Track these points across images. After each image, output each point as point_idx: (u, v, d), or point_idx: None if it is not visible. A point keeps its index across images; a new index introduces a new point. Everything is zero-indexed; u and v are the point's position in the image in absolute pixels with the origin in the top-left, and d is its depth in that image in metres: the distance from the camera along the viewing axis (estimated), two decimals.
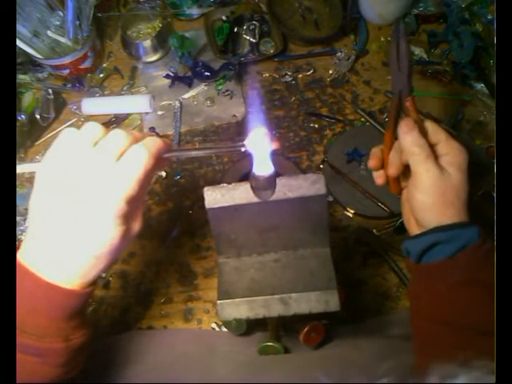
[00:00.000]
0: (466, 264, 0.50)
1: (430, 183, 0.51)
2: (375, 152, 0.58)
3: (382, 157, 0.58)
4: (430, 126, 0.54)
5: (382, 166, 0.58)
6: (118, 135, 0.44)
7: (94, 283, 0.45)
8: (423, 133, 0.53)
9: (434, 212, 0.51)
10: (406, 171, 0.55)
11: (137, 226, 0.47)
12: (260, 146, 0.46)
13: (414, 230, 0.56)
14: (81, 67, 0.88)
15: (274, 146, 0.46)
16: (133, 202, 0.43)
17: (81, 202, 0.42)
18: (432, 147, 0.52)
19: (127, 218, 0.44)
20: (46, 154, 0.45)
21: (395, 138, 0.55)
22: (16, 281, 0.42)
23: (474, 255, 0.50)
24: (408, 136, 0.51)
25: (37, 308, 0.42)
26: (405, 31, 0.53)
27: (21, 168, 0.48)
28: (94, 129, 0.45)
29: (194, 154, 0.52)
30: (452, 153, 0.52)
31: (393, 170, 0.56)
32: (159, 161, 0.46)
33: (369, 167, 0.59)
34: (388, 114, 0.59)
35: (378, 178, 0.59)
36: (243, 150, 0.47)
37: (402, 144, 0.52)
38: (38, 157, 0.83)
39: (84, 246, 0.42)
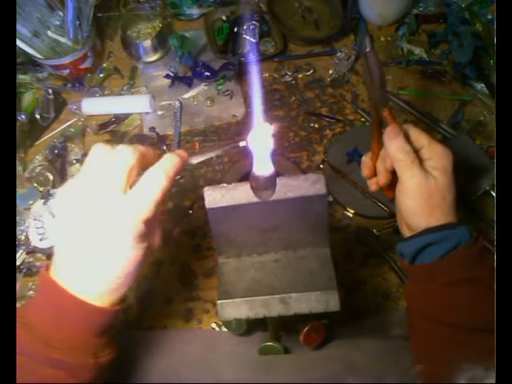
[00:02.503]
0: (458, 263, 0.51)
1: (415, 188, 0.52)
2: (366, 161, 0.62)
3: (373, 165, 0.60)
4: (412, 131, 0.55)
5: (375, 173, 0.60)
6: (124, 152, 0.44)
7: (122, 301, 0.47)
8: (407, 138, 0.54)
9: (422, 215, 0.53)
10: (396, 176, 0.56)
11: (157, 240, 0.48)
12: (261, 144, 0.46)
13: (406, 232, 0.57)
14: (81, 67, 0.88)
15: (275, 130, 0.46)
16: (151, 222, 0.44)
17: (102, 226, 0.43)
18: (416, 152, 0.54)
19: (146, 236, 0.45)
20: (67, 182, 0.45)
21: (381, 145, 0.57)
22: (47, 297, 0.44)
23: (466, 254, 0.51)
24: (393, 142, 0.53)
25: (68, 324, 0.43)
26: (371, 45, 0.54)
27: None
28: (101, 150, 0.45)
29: (200, 159, 0.51)
30: (436, 157, 0.53)
31: (381, 179, 0.59)
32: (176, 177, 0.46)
33: (363, 176, 0.62)
34: (370, 125, 0.60)
35: (372, 184, 0.62)
36: (243, 145, 0.47)
37: (388, 151, 0.54)
38: (37, 157, 0.83)
39: (108, 266, 0.43)
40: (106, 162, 0.43)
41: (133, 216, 0.42)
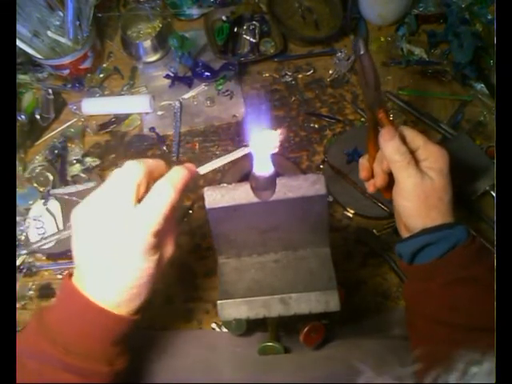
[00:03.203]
0: (456, 263, 0.51)
1: (412, 189, 0.52)
2: (363, 163, 0.62)
3: (370, 167, 0.60)
4: (408, 132, 0.55)
5: (373, 174, 0.60)
6: (132, 168, 0.44)
7: (139, 311, 0.47)
8: (402, 140, 0.54)
9: (419, 216, 0.53)
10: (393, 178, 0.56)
11: (170, 250, 0.48)
12: (261, 146, 0.46)
13: (404, 233, 0.57)
14: (81, 67, 0.88)
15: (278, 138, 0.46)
16: (161, 234, 0.45)
17: (114, 240, 0.43)
18: (412, 153, 0.54)
19: (158, 248, 0.45)
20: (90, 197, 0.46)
21: (378, 147, 0.57)
22: (70, 303, 0.45)
23: (464, 254, 0.51)
24: (389, 144, 0.53)
25: (88, 330, 0.44)
26: (365, 47, 0.54)
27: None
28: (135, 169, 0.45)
29: (212, 167, 0.51)
30: (432, 157, 0.54)
31: (378, 180, 0.59)
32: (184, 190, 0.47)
33: (360, 178, 0.63)
34: (366, 127, 0.60)
35: (369, 186, 0.62)
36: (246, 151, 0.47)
37: (384, 152, 0.54)
38: (37, 157, 0.83)
39: (122, 278, 0.44)
40: (115, 179, 0.44)
41: (142, 229, 0.43)
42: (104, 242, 0.44)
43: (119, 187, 0.44)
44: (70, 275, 0.46)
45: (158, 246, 0.45)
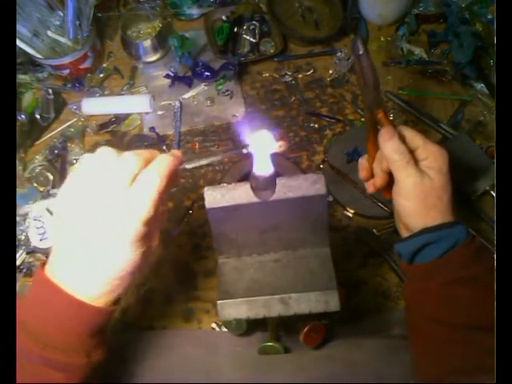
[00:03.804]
0: (456, 262, 0.51)
1: (411, 188, 0.52)
2: (362, 163, 0.62)
3: (370, 167, 0.60)
4: (407, 132, 0.56)
5: (372, 174, 0.60)
6: (129, 159, 0.44)
7: (118, 301, 0.47)
8: (402, 140, 0.54)
9: (418, 215, 0.53)
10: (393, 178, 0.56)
11: (155, 242, 0.48)
12: (261, 146, 0.46)
13: (403, 233, 0.57)
14: (81, 67, 0.88)
15: (278, 146, 0.46)
16: (150, 223, 0.44)
17: (101, 228, 0.42)
18: (412, 153, 0.54)
19: (146, 238, 0.45)
20: (67, 180, 0.45)
21: (377, 147, 0.57)
22: (44, 295, 0.43)
23: (464, 253, 0.51)
24: (388, 144, 0.53)
25: (65, 324, 0.43)
26: (364, 46, 0.54)
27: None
28: (107, 153, 0.45)
29: (202, 162, 0.51)
30: (431, 157, 0.54)
31: (378, 180, 0.59)
32: (172, 177, 0.46)
33: (360, 178, 0.63)
34: (365, 127, 0.60)
35: (369, 186, 0.62)
36: (246, 151, 0.47)
37: (384, 152, 0.54)
38: (37, 156, 0.83)
39: (107, 268, 0.43)
40: (110, 168, 0.43)
41: (131, 218, 0.42)
42: (90, 229, 0.42)
43: (114, 177, 0.43)
44: (43, 265, 0.45)
45: (146, 238, 0.44)
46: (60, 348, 0.43)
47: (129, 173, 0.43)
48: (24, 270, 0.73)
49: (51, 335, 0.43)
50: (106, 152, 0.45)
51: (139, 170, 0.44)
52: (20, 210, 0.77)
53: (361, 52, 0.54)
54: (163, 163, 0.45)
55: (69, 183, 0.45)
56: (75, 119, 0.88)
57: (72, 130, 0.86)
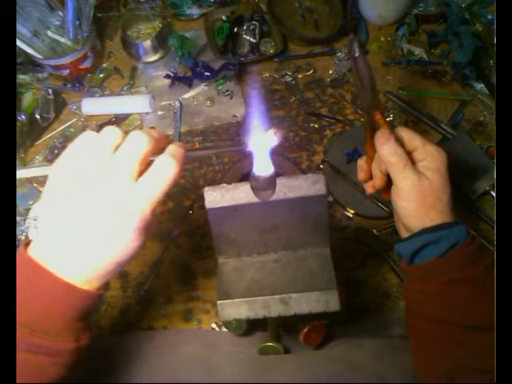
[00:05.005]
0: (456, 262, 0.51)
1: (409, 190, 0.52)
2: (361, 164, 0.62)
3: (369, 168, 0.60)
4: (404, 133, 0.55)
5: (371, 176, 0.60)
6: (139, 139, 0.43)
7: (106, 286, 0.46)
8: (399, 141, 0.54)
9: (417, 216, 0.53)
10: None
11: (150, 233, 0.47)
12: (261, 145, 0.46)
13: (403, 233, 0.57)
14: (81, 67, 0.88)
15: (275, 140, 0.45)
16: (154, 213, 0.43)
17: (107, 212, 0.41)
18: (409, 154, 0.54)
19: (148, 227, 0.44)
20: (62, 156, 0.44)
21: (375, 149, 0.57)
22: (27, 278, 0.42)
23: (464, 253, 0.51)
24: (385, 146, 0.53)
25: (52, 308, 0.42)
26: (360, 48, 0.54)
27: (33, 172, 0.47)
28: (113, 134, 0.44)
29: (199, 154, 0.51)
30: (429, 157, 0.54)
31: (377, 182, 0.59)
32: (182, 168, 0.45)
33: (359, 180, 0.63)
34: (364, 128, 0.60)
35: (368, 187, 0.62)
36: (245, 149, 0.47)
37: (380, 155, 0.54)
38: (37, 157, 0.83)
39: (105, 253, 0.42)
40: (118, 148, 0.43)
41: (142, 205, 0.42)
42: (92, 211, 0.41)
43: (122, 158, 0.42)
44: (26, 245, 0.43)
45: (148, 227, 0.43)
46: (47, 333, 0.41)
47: (138, 155, 0.42)
48: None
49: (36, 319, 0.41)
50: (112, 131, 0.44)
51: (149, 152, 0.43)
52: (20, 210, 0.77)
53: (357, 54, 0.53)
54: (179, 151, 0.45)
55: (65, 159, 0.44)
56: (75, 119, 0.88)
57: (72, 130, 0.87)
